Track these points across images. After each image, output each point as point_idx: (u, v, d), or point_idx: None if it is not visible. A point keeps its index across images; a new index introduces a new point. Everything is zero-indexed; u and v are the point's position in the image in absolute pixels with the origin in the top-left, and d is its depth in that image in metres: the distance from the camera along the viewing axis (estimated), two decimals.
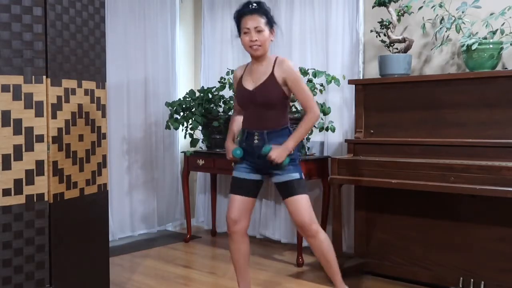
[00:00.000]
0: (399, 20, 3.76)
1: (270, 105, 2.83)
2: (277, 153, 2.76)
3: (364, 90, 3.73)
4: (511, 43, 3.23)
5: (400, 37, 3.72)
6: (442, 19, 3.60)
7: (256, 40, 2.78)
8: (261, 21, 2.79)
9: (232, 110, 3.20)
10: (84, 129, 2.77)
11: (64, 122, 2.62)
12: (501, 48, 3.29)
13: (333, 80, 4.05)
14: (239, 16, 2.85)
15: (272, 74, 2.83)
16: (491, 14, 3.39)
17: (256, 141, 2.86)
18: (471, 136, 3.27)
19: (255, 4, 2.83)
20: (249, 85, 2.88)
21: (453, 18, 3.50)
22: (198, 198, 5.41)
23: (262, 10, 2.83)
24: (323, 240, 2.85)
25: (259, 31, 2.79)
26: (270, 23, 2.84)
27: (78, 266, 2.73)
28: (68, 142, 2.64)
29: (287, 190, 2.84)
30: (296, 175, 2.85)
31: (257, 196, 2.99)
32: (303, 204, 2.81)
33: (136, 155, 5.00)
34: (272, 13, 2.90)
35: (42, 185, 2.51)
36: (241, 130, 2.98)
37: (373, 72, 4.11)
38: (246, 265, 3.00)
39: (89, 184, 2.80)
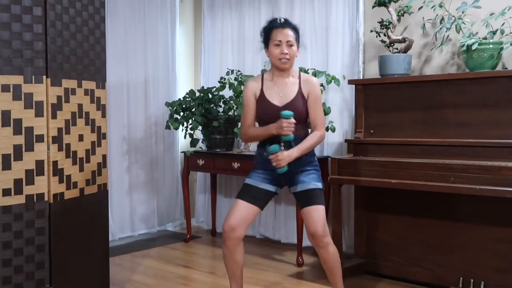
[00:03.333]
0: (399, 20, 3.76)
1: (298, 120, 2.83)
2: (283, 157, 2.74)
3: (364, 90, 3.73)
4: (511, 43, 3.23)
5: (400, 37, 3.72)
6: (442, 19, 3.60)
7: (286, 54, 2.80)
8: (292, 36, 2.83)
9: (241, 124, 2.99)
10: (84, 129, 2.77)
11: (64, 122, 2.62)
12: (501, 48, 3.29)
13: (333, 80, 4.05)
14: (270, 29, 2.86)
15: (300, 90, 2.87)
16: (491, 14, 3.39)
17: (282, 149, 2.79)
18: (471, 136, 3.27)
19: (282, 20, 2.87)
20: (277, 100, 2.86)
21: (453, 18, 3.50)
22: (198, 198, 5.41)
23: (294, 26, 2.88)
24: (332, 253, 2.82)
25: (290, 45, 2.82)
26: (298, 39, 2.89)
27: (78, 266, 2.73)
28: (68, 142, 2.64)
29: (310, 198, 2.80)
30: (320, 185, 2.85)
31: (263, 208, 2.91)
32: (320, 215, 2.79)
33: (136, 155, 5.00)
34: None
35: (42, 185, 2.51)
36: (263, 142, 2.88)
37: (373, 72, 4.11)
38: (240, 274, 2.91)
39: (89, 184, 2.80)
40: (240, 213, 2.80)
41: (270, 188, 2.87)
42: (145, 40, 4.99)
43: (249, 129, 2.93)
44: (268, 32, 2.86)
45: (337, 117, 4.27)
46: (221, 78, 4.70)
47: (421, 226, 3.50)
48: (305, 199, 2.82)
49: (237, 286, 2.94)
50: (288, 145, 2.79)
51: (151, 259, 4.23)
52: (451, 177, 3.05)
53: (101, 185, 2.91)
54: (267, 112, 2.87)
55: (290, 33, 2.83)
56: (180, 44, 5.37)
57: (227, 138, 4.59)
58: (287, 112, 2.72)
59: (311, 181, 2.83)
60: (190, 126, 4.51)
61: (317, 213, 2.78)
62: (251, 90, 2.91)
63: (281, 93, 2.87)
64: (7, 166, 2.41)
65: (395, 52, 3.76)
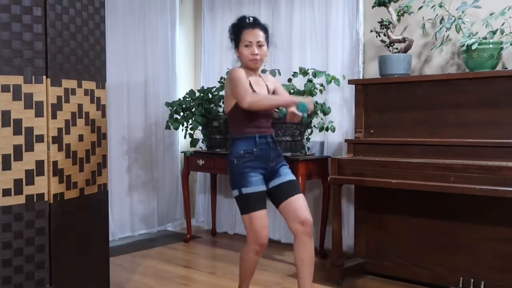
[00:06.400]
0: (399, 20, 3.76)
1: (272, 113, 2.97)
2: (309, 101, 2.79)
3: (364, 90, 3.73)
4: (511, 43, 3.23)
5: (400, 37, 3.72)
6: (442, 19, 3.60)
7: (257, 55, 2.84)
8: (262, 36, 2.86)
9: (242, 94, 2.72)
10: (84, 129, 2.77)
11: (64, 122, 2.62)
12: (501, 48, 3.29)
13: (333, 80, 4.05)
14: (240, 28, 2.88)
15: (267, 87, 2.95)
16: (491, 14, 3.39)
17: (271, 144, 2.86)
18: (471, 136, 3.27)
19: (251, 19, 2.89)
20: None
21: (453, 18, 3.50)
22: (198, 198, 5.41)
23: (263, 26, 2.90)
24: (313, 244, 2.86)
25: (260, 46, 2.85)
26: (268, 39, 2.92)
27: (78, 266, 2.73)
28: (68, 142, 2.64)
29: (293, 189, 2.86)
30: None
31: None
32: (305, 202, 2.87)
33: (136, 155, 5.00)
34: (271, 28, 3.00)
35: (42, 185, 2.51)
36: (248, 137, 2.83)
37: (373, 72, 4.11)
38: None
39: (89, 184, 2.80)
40: (265, 223, 2.83)
41: (265, 187, 2.86)
42: (145, 40, 4.99)
43: (257, 94, 2.80)
44: (238, 32, 2.88)
45: (337, 117, 4.27)
46: (221, 78, 4.70)
47: (421, 226, 3.50)
48: (290, 189, 2.86)
49: (247, 286, 3.01)
50: (273, 141, 2.89)
51: (151, 259, 4.23)
52: (451, 177, 3.05)
53: (101, 185, 2.91)
54: None
55: (260, 33, 2.85)
56: (180, 44, 5.37)
57: (227, 138, 4.59)
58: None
59: (290, 173, 2.92)
60: (190, 126, 4.51)
61: (304, 201, 2.86)
62: (245, 75, 2.83)
63: (259, 89, 2.89)
64: (7, 166, 2.41)
65: (395, 52, 3.76)
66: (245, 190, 2.77)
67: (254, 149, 2.81)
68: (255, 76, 2.93)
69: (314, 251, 2.84)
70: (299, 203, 2.82)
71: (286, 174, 2.88)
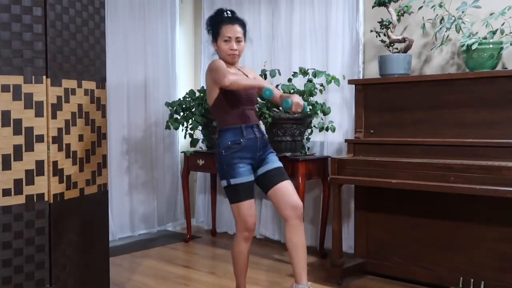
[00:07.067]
0: (399, 20, 3.76)
1: (255, 103, 3.04)
2: (298, 99, 2.77)
3: (364, 90, 3.73)
4: (511, 43, 3.23)
5: (400, 37, 3.72)
6: (442, 19, 3.61)
7: (236, 50, 2.92)
8: (241, 32, 2.94)
9: (221, 74, 2.76)
10: (84, 129, 2.77)
11: (64, 122, 2.62)
12: (501, 48, 3.29)
13: (333, 80, 4.05)
14: (219, 23, 2.93)
15: (247, 76, 3.00)
16: (491, 14, 3.39)
17: (257, 133, 2.92)
18: (471, 136, 3.27)
19: (229, 12, 2.96)
20: None
21: (453, 18, 3.50)
22: (198, 198, 5.41)
23: (242, 22, 2.98)
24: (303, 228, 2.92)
25: (239, 41, 2.94)
26: (245, 34, 2.99)
27: (78, 266, 2.73)
28: (68, 142, 2.64)
29: (283, 174, 2.94)
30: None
31: None
32: (293, 187, 2.94)
33: (136, 155, 5.00)
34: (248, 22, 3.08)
35: (42, 185, 2.50)
36: (234, 128, 2.87)
37: (373, 72, 4.11)
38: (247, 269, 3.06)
39: (89, 184, 2.80)
40: (253, 211, 2.88)
41: (253, 176, 2.91)
42: (145, 40, 4.99)
43: (237, 73, 2.88)
44: (217, 26, 2.94)
45: (337, 117, 4.27)
46: None
47: (421, 226, 3.50)
48: (278, 175, 2.92)
49: (244, 281, 3.03)
50: (260, 130, 2.96)
51: (151, 259, 4.23)
52: (451, 177, 3.05)
53: (101, 185, 2.91)
54: (240, 94, 2.89)
55: (239, 29, 2.93)
56: (180, 44, 5.37)
57: None
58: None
59: (278, 160, 2.98)
60: (190, 126, 4.51)
61: (292, 187, 2.93)
62: (224, 64, 2.88)
63: None
64: (7, 166, 2.41)
65: (395, 52, 3.76)
66: (233, 181, 2.84)
67: (242, 140, 2.86)
68: (234, 69, 3.00)
69: (303, 233, 2.88)
70: (288, 189, 2.89)
71: (273, 161, 2.94)
